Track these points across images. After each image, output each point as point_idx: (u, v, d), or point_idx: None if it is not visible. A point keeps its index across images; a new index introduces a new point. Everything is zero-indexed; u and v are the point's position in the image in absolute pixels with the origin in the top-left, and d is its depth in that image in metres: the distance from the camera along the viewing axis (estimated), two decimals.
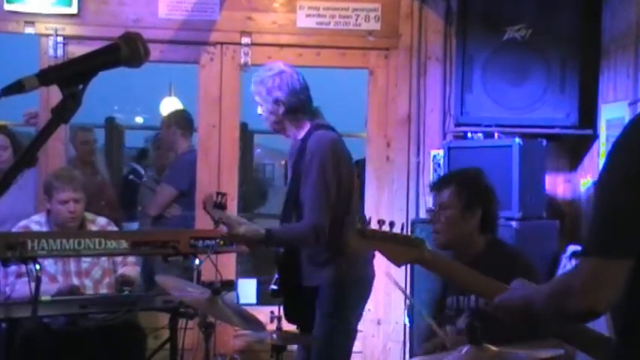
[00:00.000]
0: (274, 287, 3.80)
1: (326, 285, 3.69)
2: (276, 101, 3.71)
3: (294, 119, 3.75)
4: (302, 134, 3.75)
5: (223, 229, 3.68)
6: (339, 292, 3.69)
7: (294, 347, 4.20)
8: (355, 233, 2.30)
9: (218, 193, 3.71)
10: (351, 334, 3.82)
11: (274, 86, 3.69)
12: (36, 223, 4.26)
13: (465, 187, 3.23)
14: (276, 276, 3.82)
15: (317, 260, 3.71)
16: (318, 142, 3.66)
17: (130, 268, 4.39)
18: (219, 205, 3.67)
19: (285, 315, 3.72)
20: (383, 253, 2.30)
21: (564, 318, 1.88)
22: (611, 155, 1.77)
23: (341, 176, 3.67)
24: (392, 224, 2.33)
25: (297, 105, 3.71)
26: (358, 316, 3.82)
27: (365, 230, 2.29)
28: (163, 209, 5.54)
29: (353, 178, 3.79)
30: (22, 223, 4.27)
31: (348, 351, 3.80)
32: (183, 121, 5.77)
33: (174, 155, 5.81)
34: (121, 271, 4.35)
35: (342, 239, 3.57)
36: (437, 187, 3.33)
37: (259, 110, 3.79)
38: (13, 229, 4.22)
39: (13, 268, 3.91)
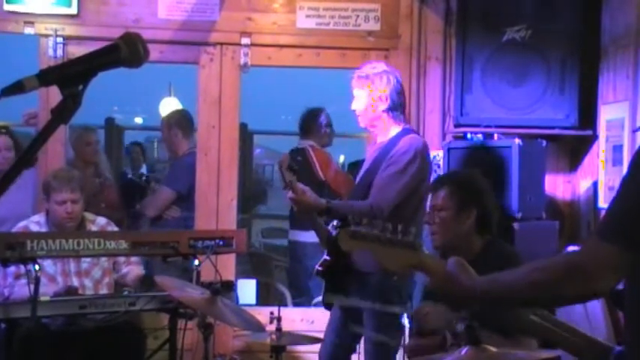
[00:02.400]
0: (319, 268, 3.89)
1: (377, 272, 3.70)
2: (381, 97, 3.87)
3: (392, 117, 3.92)
4: (392, 134, 3.91)
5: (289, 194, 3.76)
6: (387, 279, 3.75)
7: (294, 348, 4.21)
8: (345, 233, 2.16)
9: (294, 158, 3.77)
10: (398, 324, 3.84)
11: (381, 82, 3.86)
12: (35, 223, 4.26)
13: (460, 189, 3.25)
14: (325, 257, 3.88)
15: None
16: (413, 143, 3.84)
17: (136, 267, 4.40)
18: (292, 169, 3.72)
19: (325, 299, 3.88)
20: (375, 257, 2.12)
21: (564, 300, 1.91)
22: None
23: (421, 180, 3.84)
24: (395, 228, 2.13)
25: (398, 103, 3.90)
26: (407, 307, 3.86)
27: (355, 231, 2.13)
28: (162, 211, 5.53)
29: (428, 185, 3.89)
30: (22, 223, 4.27)
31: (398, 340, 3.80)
32: (184, 121, 5.76)
33: (173, 156, 5.80)
34: (132, 272, 4.35)
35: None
36: (432, 188, 3.35)
37: (355, 105, 3.91)
38: (13, 230, 4.22)
39: (11, 269, 3.91)
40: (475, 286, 1.96)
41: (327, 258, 3.89)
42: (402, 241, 2.08)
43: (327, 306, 3.97)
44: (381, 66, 3.97)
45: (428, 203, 3.41)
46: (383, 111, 3.88)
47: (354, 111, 3.97)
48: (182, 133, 5.65)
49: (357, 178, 4.11)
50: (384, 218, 3.61)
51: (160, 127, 5.94)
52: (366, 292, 3.80)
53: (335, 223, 3.81)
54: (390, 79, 3.89)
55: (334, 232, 3.79)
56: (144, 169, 6.73)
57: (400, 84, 3.95)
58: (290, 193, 3.71)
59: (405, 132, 3.91)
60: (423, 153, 3.86)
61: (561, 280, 1.82)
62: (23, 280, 3.93)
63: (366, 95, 3.87)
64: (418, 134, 4.06)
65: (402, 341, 3.68)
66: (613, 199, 1.82)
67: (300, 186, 3.74)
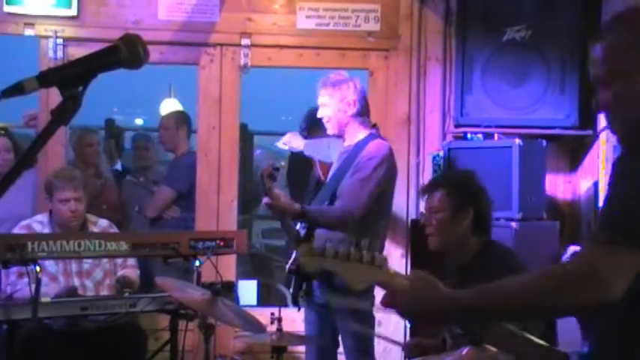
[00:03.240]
0: (292, 267, 3.99)
1: None
2: (349, 103, 4.03)
3: (360, 122, 4.08)
4: (359, 138, 4.05)
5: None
6: None
7: (295, 348, 4.21)
8: (305, 251, 1.99)
9: (275, 168, 3.87)
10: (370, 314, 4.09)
11: (348, 89, 4.02)
12: (38, 222, 4.26)
13: (455, 190, 3.23)
14: (294, 255, 3.97)
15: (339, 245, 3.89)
16: (379, 149, 3.98)
17: (131, 270, 4.40)
18: (273, 177, 3.82)
19: (293, 296, 3.98)
20: (339, 275, 1.98)
21: (569, 309, 1.84)
22: None
23: (387, 184, 4.01)
24: (358, 243, 2.01)
25: (364, 108, 4.06)
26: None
27: (315, 248, 1.99)
28: (161, 211, 5.53)
29: (394, 189, 4.14)
30: (25, 222, 4.27)
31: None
32: (187, 122, 5.77)
33: (172, 156, 5.80)
34: (121, 272, 4.35)
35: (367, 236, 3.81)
36: (427, 190, 3.35)
37: (324, 112, 4.08)
38: (15, 229, 4.22)
39: (13, 268, 3.91)
40: (457, 298, 1.85)
41: (297, 256, 3.98)
42: (366, 257, 1.95)
43: (296, 304, 4.04)
44: (344, 74, 4.13)
45: (424, 205, 3.42)
46: (351, 116, 4.03)
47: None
48: (185, 134, 5.67)
49: (327, 181, 4.22)
50: (354, 223, 3.84)
51: (160, 126, 5.93)
52: (335, 287, 3.87)
53: (303, 223, 3.96)
54: (357, 85, 4.06)
55: (303, 232, 3.95)
56: (118, 166, 6.61)
57: (364, 91, 4.13)
58: (266, 199, 3.80)
59: (371, 137, 4.05)
60: (389, 158, 4.01)
61: (573, 287, 1.73)
62: (26, 279, 3.93)
63: (335, 102, 4.02)
64: (384, 139, 4.15)
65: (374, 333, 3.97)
66: (617, 201, 1.78)
67: (276, 191, 3.86)
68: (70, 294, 3.98)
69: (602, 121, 4.64)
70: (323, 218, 3.93)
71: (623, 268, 1.69)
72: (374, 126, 4.16)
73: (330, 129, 4.12)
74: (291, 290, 4.05)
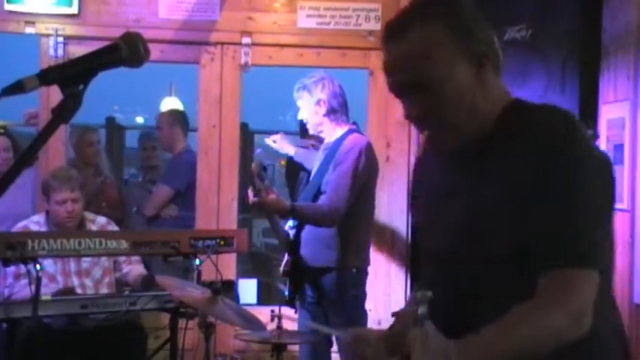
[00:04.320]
0: (286, 269, 4.13)
1: (331, 267, 4.05)
2: (318, 102, 4.11)
3: (333, 119, 4.15)
4: (338, 135, 4.14)
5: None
6: (341, 274, 4.06)
7: (295, 347, 4.21)
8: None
9: (263, 167, 3.92)
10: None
11: (317, 89, 4.10)
12: (35, 223, 4.26)
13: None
14: (287, 257, 4.12)
15: (327, 243, 4.05)
16: (357, 142, 4.06)
17: (137, 266, 4.40)
18: (261, 176, 3.87)
19: (290, 298, 4.09)
20: None
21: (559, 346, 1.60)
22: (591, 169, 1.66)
23: (369, 176, 4.09)
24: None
25: (337, 106, 4.12)
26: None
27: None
28: (159, 209, 5.54)
29: (376, 182, 4.22)
30: (22, 223, 4.27)
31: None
32: (184, 120, 5.79)
33: (169, 155, 5.80)
34: (133, 271, 4.35)
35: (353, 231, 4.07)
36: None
37: (301, 115, 4.20)
38: (13, 230, 4.22)
39: (11, 269, 3.91)
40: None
41: (289, 258, 4.14)
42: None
43: (291, 305, 4.10)
44: (318, 74, 4.19)
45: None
46: (323, 115, 4.12)
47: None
48: (182, 132, 5.68)
49: (311, 177, 4.30)
50: (340, 219, 3.95)
51: (157, 124, 5.95)
52: (322, 286, 4.06)
53: (291, 224, 4.12)
54: (326, 84, 4.12)
55: (292, 233, 4.10)
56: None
57: (339, 87, 4.15)
58: (252, 196, 3.85)
59: (349, 132, 4.13)
60: (367, 151, 4.06)
61: (563, 330, 1.58)
62: (23, 281, 3.93)
63: (307, 104, 4.13)
64: (362, 134, 4.23)
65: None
66: (597, 223, 1.64)
67: (265, 186, 3.88)
68: (67, 294, 3.98)
69: (602, 120, 4.65)
70: (311, 215, 4.01)
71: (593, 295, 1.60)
72: (353, 123, 4.23)
73: (310, 130, 4.25)
74: (286, 292, 4.10)
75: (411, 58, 1.70)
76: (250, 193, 3.90)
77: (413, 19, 1.72)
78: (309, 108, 4.13)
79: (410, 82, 1.72)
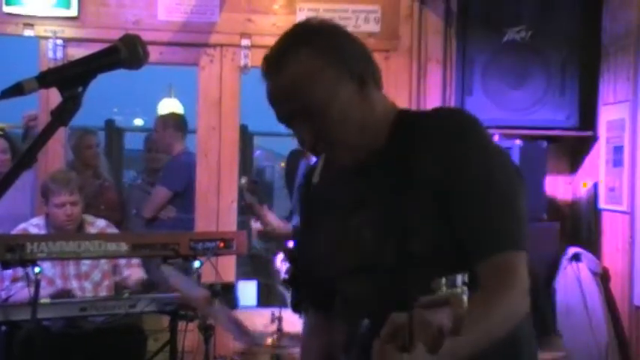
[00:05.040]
0: (285, 276, 4.03)
1: None
2: None
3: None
4: None
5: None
6: None
7: (295, 349, 4.19)
8: None
9: (254, 181, 3.81)
10: None
11: None
12: (34, 226, 4.26)
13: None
14: (287, 266, 4.03)
15: None
16: None
17: (137, 269, 4.40)
18: (253, 190, 3.76)
19: (293, 305, 3.91)
20: None
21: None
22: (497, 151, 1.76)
23: None
24: None
25: None
26: None
27: None
28: (158, 211, 5.54)
29: None
30: (21, 226, 4.26)
31: None
32: (180, 123, 5.81)
33: (168, 157, 5.80)
34: (133, 275, 4.35)
35: None
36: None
37: None
38: (12, 233, 4.22)
39: (8, 272, 3.91)
40: None
41: (290, 266, 4.05)
42: None
43: (298, 312, 4.08)
44: None
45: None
46: None
47: None
48: (177, 135, 5.68)
49: None
50: None
51: (154, 126, 5.96)
52: None
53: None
54: None
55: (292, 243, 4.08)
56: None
57: None
58: (255, 223, 3.78)
59: None
60: None
61: (522, 308, 1.66)
62: (20, 284, 3.93)
63: None
64: None
65: None
66: (520, 206, 1.75)
67: (267, 215, 3.78)
68: (63, 296, 3.97)
69: (602, 122, 4.65)
70: None
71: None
72: None
73: None
74: (289, 299, 4.08)
75: (289, 89, 1.71)
76: (253, 224, 3.83)
77: (286, 50, 1.73)
78: None
79: (293, 112, 1.72)
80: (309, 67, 1.70)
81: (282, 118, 1.77)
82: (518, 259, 1.67)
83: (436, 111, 1.85)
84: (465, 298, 1.19)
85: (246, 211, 3.81)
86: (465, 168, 1.67)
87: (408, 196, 1.70)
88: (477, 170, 1.68)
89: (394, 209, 1.72)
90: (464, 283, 1.22)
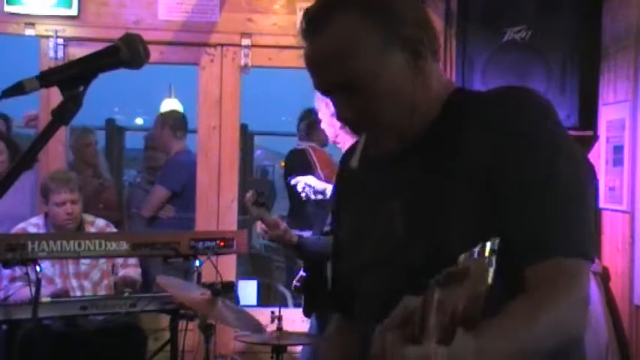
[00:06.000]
0: (297, 284, 3.99)
1: None
2: (334, 115, 3.92)
3: (348, 132, 3.99)
4: None
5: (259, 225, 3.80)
6: None
7: (295, 348, 4.20)
8: None
9: (260, 192, 3.77)
10: None
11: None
12: (34, 225, 4.26)
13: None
14: (301, 274, 3.98)
15: None
16: None
17: (132, 269, 4.40)
18: (259, 203, 3.73)
19: (305, 311, 3.95)
20: None
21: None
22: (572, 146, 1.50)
23: None
24: None
25: None
26: None
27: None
28: (157, 210, 5.54)
29: None
30: (20, 225, 4.27)
31: None
32: (175, 122, 5.80)
33: (166, 155, 5.81)
34: (122, 272, 4.35)
35: None
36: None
37: (322, 125, 4.12)
38: (11, 232, 4.22)
39: (6, 271, 3.92)
40: None
41: (304, 274, 3.99)
42: None
43: (308, 316, 4.08)
44: None
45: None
46: (339, 128, 4.02)
47: None
48: (173, 134, 5.69)
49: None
50: None
51: (154, 125, 5.97)
52: None
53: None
54: None
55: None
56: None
57: None
58: (260, 227, 3.76)
59: None
60: None
61: (577, 321, 1.42)
62: (18, 283, 3.94)
63: (324, 116, 4.05)
64: None
65: None
66: (587, 210, 1.51)
67: (273, 219, 3.77)
68: (61, 296, 3.97)
69: (602, 121, 4.65)
70: (322, 249, 3.81)
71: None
72: None
73: (329, 139, 4.20)
74: (302, 305, 4.06)
75: (333, 57, 1.48)
76: (259, 226, 3.80)
77: (332, 8, 1.49)
78: (326, 120, 4.07)
79: (336, 83, 1.51)
80: (356, 32, 1.47)
81: (320, 87, 1.55)
82: (577, 267, 1.42)
83: (498, 89, 1.59)
84: (491, 270, 0.98)
85: (252, 222, 3.77)
86: (527, 155, 1.43)
87: (452, 181, 1.48)
88: (541, 159, 1.43)
89: (432, 199, 1.51)
90: (492, 252, 1.00)
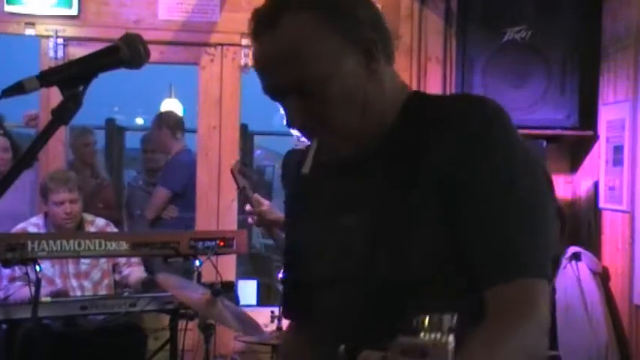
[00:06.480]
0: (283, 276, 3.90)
1: None
2: None
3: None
4: None
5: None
6: None
7: None
8: None
9: (243, 163, 3.73)
10: None
11: None
12: (34, 225, 4.26)
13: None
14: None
15: None
16: None
17: (136, 268, 4.40)
18: (245, 174, 3.71)
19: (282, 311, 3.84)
20: None
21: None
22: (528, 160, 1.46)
23: None
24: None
25: None
26: None
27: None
28: (160, 211, 5.54)
29: None
30: (20, 225, 4.27)
31: None
32: (173, 122, 5.80)
33: (166, 157, 5.81)
34: (133, 273, 4.35)
35: None
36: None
37: None
38: (11, 232, 4.22)
39: (6, 271, 3.92)
40: None
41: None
42: None
43: (287, 317, 4.01)
44: None
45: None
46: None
47: None
48: (171, 134, 5.70)
49: None
50: None
51: (151, 127, 5.97)
52: None
53: None
54: None
55: None
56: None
57: None
58: (247, 206, 3.74)
59: None
60: None
61: (539, 345, 1.40)
62: (18, 283, 3.94)
63: None
64: None
65: None
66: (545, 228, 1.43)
67: (257, 197, 3.75)
68: (60, 296, 3.97)
69: (602, 121, 4.65)
70: None
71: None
72: None
73: None
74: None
75: (283, 59, 1.41)
76: (247, 208, 3.76)
77: (282, 9, 1.41)
78: None
79: (286, 87, 1.43)
80: (307, 33, 1.40)
81: (270, 90, 1.46)
82: (537, 289, 1.37)
83: (456, 96, 1.57)
84: (450, 349, 1.00)
85: (239, 196, 3.73)
86: (483, 169, 1.39)
87: (411, 198, 1.42)
88: (497, 174, 1.39)
89: (392, 212, 1.44)
90: (450, 330, 1.01)
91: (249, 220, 3.81)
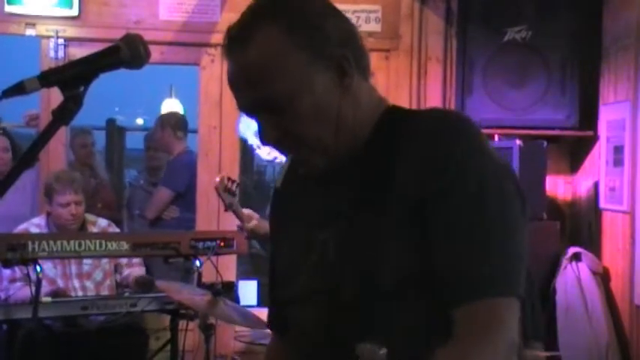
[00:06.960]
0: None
1: None
2: None
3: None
4: None
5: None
6: None
7: None
8: None
9: (229, 179, 3.64)
10: None
11: None
12: (35, 225, 4.26)
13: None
14: None
15: None
16: None
17: (137, 268, 4.41)
18: (230, 190, 3.63)
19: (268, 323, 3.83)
20: None
21: None
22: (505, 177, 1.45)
23: None
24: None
25: None
26: None
27: None
28: (161, 211, 5.54)
29: None
30: (22, 226, 4.26)
31: None
32: (176, 122, 5.80)
33: (169, 157, 5.81)
34: (133, 273, 4.35)
35: None
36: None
37: None
38: (13, 232, 4.22)
39: (6, 272, 3.92)
40: None
41: None
42: None
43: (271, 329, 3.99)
44: None
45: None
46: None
47: None
48: (174, 134, 5.69)
49: None
50: None
51: (154, 127, 5.98)
52: None
53: None
54: None
55: None
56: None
57: None
58: (238, 222, 3.70)
59: None
60: None
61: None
62: (18, 284, 3.94)
63: None
64: None
65: None
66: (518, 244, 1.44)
67: (247, 212, 3.68)
68: (60, 295, 3.97)
69: (602, 121, 4.65)
70: None
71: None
72: None
73: None
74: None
75: (254, 76, 1.41)
76: (239, 225, 3.69)
77: (252, 25, 1.42)
78: None
79: (258, 103, 1.43)
80: (278, 50, 1.40)
81: (243, 106, 1.46)
82: (505, 308, 1.36)
83: (429, 111, 1.56)
84: None
85: (227, 210, 3.62)
86: (453, 184, 1.37)
87: (383, 213, 1.41)
88: (467, 188, 1.38)
89: (364, 227, 1.44)
90: None
91: (242, 234, 3.77)
